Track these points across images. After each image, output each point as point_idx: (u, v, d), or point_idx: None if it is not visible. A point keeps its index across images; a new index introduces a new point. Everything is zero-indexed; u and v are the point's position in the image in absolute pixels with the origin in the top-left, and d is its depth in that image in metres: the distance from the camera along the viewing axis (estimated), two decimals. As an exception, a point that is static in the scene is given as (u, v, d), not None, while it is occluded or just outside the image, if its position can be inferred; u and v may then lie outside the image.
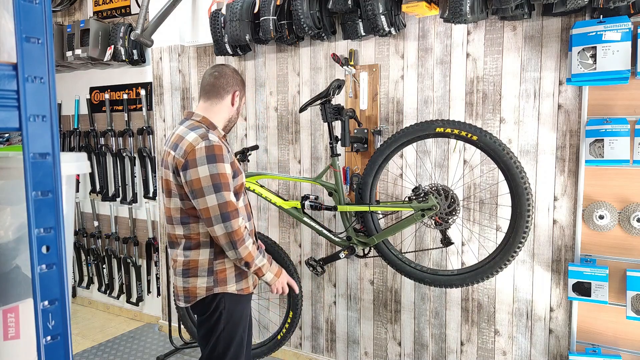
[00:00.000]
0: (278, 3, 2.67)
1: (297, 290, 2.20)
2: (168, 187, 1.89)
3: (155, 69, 3.59)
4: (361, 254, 2.46)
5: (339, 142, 2.44)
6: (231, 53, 3.00)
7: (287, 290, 2.07)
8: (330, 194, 2.45)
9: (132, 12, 3.69)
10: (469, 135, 2.05)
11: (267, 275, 1.96)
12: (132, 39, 3.01)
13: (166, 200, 1.93)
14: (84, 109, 4.05)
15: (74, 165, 0.99)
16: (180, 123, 1.96)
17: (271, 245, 2.63)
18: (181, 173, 1.80)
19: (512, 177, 2.01)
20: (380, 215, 2.44)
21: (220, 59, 3.26)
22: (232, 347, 1.99)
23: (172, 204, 1.90)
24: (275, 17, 2.67)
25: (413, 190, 2.24)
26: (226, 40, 2.89)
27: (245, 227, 1.86)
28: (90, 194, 4.04)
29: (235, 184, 1.90)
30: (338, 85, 2.34)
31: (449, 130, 2.08)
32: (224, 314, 1.95)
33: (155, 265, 3.84)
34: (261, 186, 2.58)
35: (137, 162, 3.80)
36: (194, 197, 1.80)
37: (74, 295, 4.42)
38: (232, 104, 2.01)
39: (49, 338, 0.76)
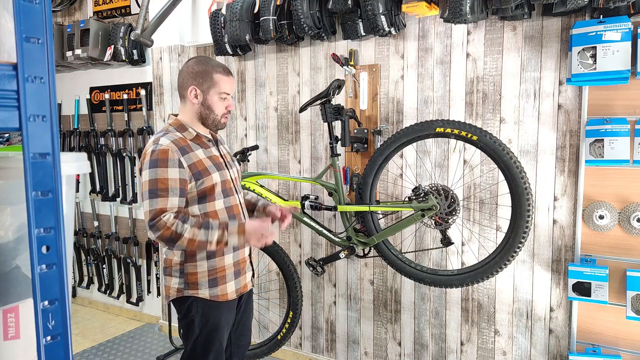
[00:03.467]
0: (278, 3, 2.67)
1: (284, 225, 2.01)
2: None
3: (155, 69, 3.59)
4: (361, 254, 2.46)
5: (339, 142, 2.44)
6: (231, 53, 3.00)
7: (270, 240, 1.81)
8: (330, 194, 2.45)
9: (132, 12, 3.69)
10: (469, 135, 2.05)
11: (230, 242, 1.76)
12: (132, 39, 3.01)
13: None
14: (84, 109, 4.05)
15: (74, 165, 0.99)
16: None
17: (271, 246, 2.63)
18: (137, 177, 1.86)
19: (512, 177, 2.01)
20: (380, 215, 2.44)
21: (220, 59, 3.25)
22: (211, 353, 1.95)
23: None
24: (275, 17, 2.67)
25: (413, 190, 2.25)
26: (226, 40, 2.89)
27: (175, 219, 1.72)
28: (90, 194, 4.03)
29: (202, 187, 1.82)
30: (338, 85, 2.34)
31: (449, 130, 2.08)
32: (197, 319, 1.91)
33: (155, 265, 3.84)
34: (261, 186, 2.58)
35: (137, 162, 3.80)
36: (140, 200, 1.87)
37: (74, 295, 4.42)
38: (194, 100, 1.90)
39: (49, 338, 0.75)
